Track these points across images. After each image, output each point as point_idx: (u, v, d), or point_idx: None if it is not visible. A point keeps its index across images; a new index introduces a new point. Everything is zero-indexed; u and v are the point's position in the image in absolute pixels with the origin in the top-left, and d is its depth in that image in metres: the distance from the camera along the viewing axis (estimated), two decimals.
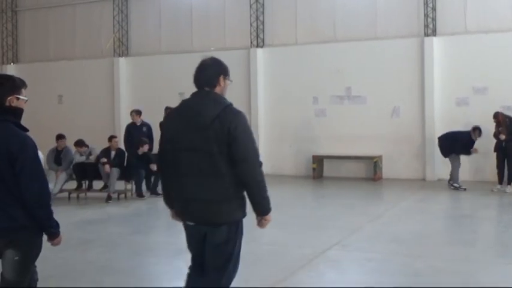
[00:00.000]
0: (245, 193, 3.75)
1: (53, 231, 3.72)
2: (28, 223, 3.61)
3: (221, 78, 3.78)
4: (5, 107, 3.69)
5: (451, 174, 12.61)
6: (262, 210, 3.77)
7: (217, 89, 3.76)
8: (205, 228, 3.75)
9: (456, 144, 12.47)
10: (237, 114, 3.64)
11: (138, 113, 13.44)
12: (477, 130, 12.34)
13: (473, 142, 12.39)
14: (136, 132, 13.08)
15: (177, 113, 3.81)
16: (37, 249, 3.74)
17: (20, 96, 3.76)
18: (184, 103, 3.81)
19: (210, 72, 3.78)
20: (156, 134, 13.30)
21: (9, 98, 3.69)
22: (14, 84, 3.76)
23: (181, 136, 3.68)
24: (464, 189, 12.39)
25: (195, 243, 3.88)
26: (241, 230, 3.84)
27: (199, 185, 3.64)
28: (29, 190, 3.57)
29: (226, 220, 3.70)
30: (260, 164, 3.70)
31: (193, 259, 3.97)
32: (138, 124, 13.30)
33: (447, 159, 12.71)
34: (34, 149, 3.69)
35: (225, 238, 3.74)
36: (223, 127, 3.55)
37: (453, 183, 12.52)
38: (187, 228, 3.91)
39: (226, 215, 3.69)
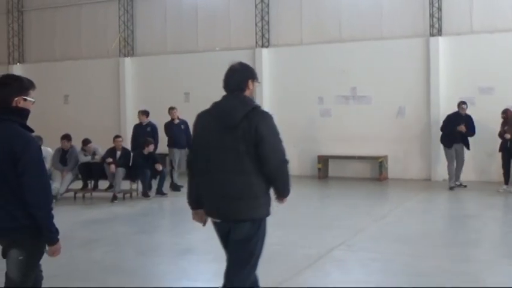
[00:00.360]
0: (271, 191, 3.91)
1: (51, 235, 3.66)
2: (31, 223, 3.60)
3: (250, 82, 4.00)
4: (11, 107, 3.68)
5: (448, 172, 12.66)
6: (284, 197, 4.01)
7: (247, 92, 3.97)
8: (229, 224, 3.88)
9: (445, 130, 12.58)
10: (264, 114, 3.84)
11: (144, 113, 13.51)
12: (461, 103, 12.45)
13: (461, 118, 12.40)
14: (141, 132, 13.15)
15: (209, 113, 4.02)
16: (41, 249, 3.73)
17: (27, 98, 3.74)
18: (216, 105, 4.01)
19: (239, 77, 4.00)
20: (162, 134, 13.48)
21: (16, 99, 3.68)
22: (22, 85, 3.74)
23: (211, 135, 3.88)
24: (465, 186, 12.41)
25: (222, 240, 4.03)
26: (265, 228, 3.95)
27: (225, 182, 3.80)
28: (30, 191, 3.56)
29: (249, 217, 3.82)
30: (287, 162, 3.86)
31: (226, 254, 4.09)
32: (144, 124, 13.37)
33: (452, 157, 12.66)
34: (37, 150, 3.68)
35: (248, 235, 3.85)
36: (250, 127, 3.73)
37: (449, 182, 12.55)
38: (215, 226, 4.05)
39: (249, 212, 3.81)
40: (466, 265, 6.54)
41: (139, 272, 6.41)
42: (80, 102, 18.69)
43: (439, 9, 14.32)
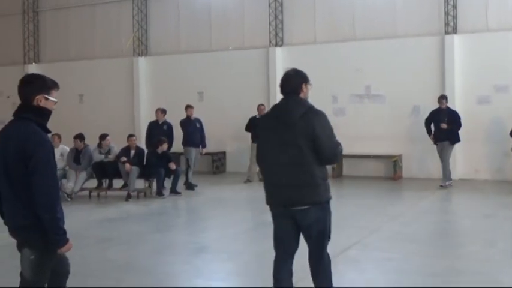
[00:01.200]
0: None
1: (57, 238, 3.61)
2: (41, 223, 3.59)
3: (303, 85, 4.53)
4: (31, 105, 3.68)
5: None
6: None
7: (301, 95, 4.50)
8: (295, 210, 4.36)
9: (427, 127, 12.63)
10: (319, 114, 4.40)
11: (163, 111, 13.62)
12: (441, 98, 12.46)
13: (442, 113, 12.38)
14: (157, 130, 13.22)
15: (271, 114, 4.59)
16: (53, 249, 3.69)
17: (49, 97, 3.73)
18: (275, 107, 4.59)
19: (295, 83, 4.50)
20: (177, 133, 13.53)
21: (37, 97, 3.68)
22: (44, 84, 3.73)
23: (274, 133, 4.40)
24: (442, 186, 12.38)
25: (287, 226, 4.45)
26: (329, 210, 4.51)
27: (290, 173, 4.31)
28: (37, 191, 3.54)
29: (313, 201, 4.35)
30: (339, 152, 4.48)
31: (280, 245, 4.54)
32: (160, 122, 13.46)
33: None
34: (49, 151, 3.65)
35: (315, 218, 4.39)
36: (307, 125, 4.28)
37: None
38: (276, 213, 4.51)
39: (313, 197, 4.35)
40: (482, 265, 6.48)
41: (153, 271, 6.43)
42: (95, 102, 18.80)
43: (454, 7, 14.21)
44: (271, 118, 4.53)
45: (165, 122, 13.51)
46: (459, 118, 12.55)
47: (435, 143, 12.59)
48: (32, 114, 3.67)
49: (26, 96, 3.69)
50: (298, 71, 4.60)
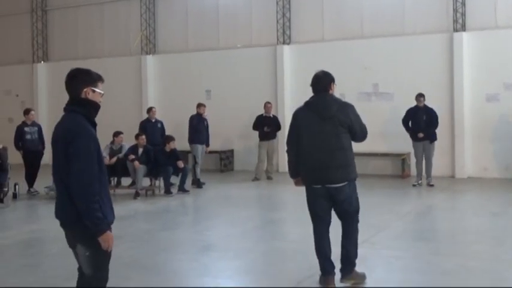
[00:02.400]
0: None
1: (94, 222, 3.55)
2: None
3: (332, 84, 5.45)
4: (79, 98, 3.71)
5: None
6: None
7: (330, 92, 5.43)
8: (331, 188, 5.31)
9: (405, 125, 12.69)
10: (350, 106, 5.41)
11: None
12: (418, 96, 12.48)
13: (420, 111, 12.38)
14: (151, 128, 13.31)
15: (307, 108, 5.45)
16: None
17: (96, 89, 3.76)
18: (309, 103, 5.47)
19: (324, 82, 5.42)
20: (178, 130, 13.56)
21: (85, 90, 3.70)
22: (89, 77, 3.76)
23: (312, 124, 5.34)
24: (432, 185, 12.32)
25: (323, 201, 5.38)
26: (355, 186, 5.48)
27: (330, 156, 5.28)
28: (71, 179, 3.52)
29: (348, 179, 5.34)
30: (366, 132, 5.52)
31: (318, 218, 5.46)
32: (153, 121, 13.58)
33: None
34: (89, 140, 3.61)
35: (349, 193, 5.36)
36: (345, 116, 5.29)
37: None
38: (314, 191, 5.41)
39: (348, 175, 5.35)
40: (491, 263, 6.45)
41: (161, 268, 6.44)
42: (103, 100, 18.67)
43: (463, 4, 14.13)
44: (309, 112, 5.39)
45: (157, 120, 13.72)
46: (436, 117, 12.55)
47: (414, 139, 12.55)
48: (78, 106, 3.70)
49: (74, 90, 3.72)
50: (326, 72, 5.48)
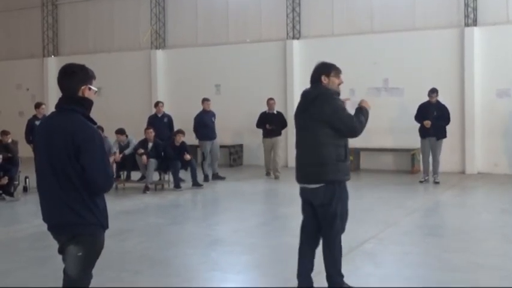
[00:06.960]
0: (347, 163, 4.91)
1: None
2: (92, 219, 3.55)
3: (323, 76, 4.91)
4: (76, 97, 3.58)
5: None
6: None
7: (323, 84, 4.91)
8: (308, 188, 4.87)
9: (417, 120, 12.41)
10: (329, 99, 4.81)
11: (162, 104, 13.98)
12: (431, 92, 12.23)
13: (432, 107, 12.19)
14: (158, 123, 13.28)
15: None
16: (100, 244, 3.67)
17: (92, 87, 3.66)
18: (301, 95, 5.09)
19: (314, 73, 4.98)
20: (187, 125, 13.57)
21: (82, 88, 3.60)
22: (87, 74, 3.65)
23: (297, 118, 5.02)
24: (437, 182, 12.15)
25: (306, 205, 4.98)
26: (340, 191, 4.88)
27: (305, 153, 4.88)
28: (94, 181, 3.48)
29: (323, 180, 4.77)
30: (362, 120, 4.87)
31: (302, 226, 5.04)
32: (160, 116, 13.58)
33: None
34: (100, 141, 3.57)
35: (325, 198, 4.79)
36: (316, 109, 4.78)
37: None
38: (300, 192, 5.03)
39: (322, 176, 4.76)
40: (501, 260, 6.41)
41: (171, 263, 6.47)
42: (112, 94, 18.89)
43: None
44: (298, 106, 5.07)
45: (165, 115, 13.67)
46: (448, 113, 12.35)
47: (423, 137, 12.34)
48: (77, 105, 3.58)
49: (70, 87, 3.59)
50: (321, 63, 5.02)
